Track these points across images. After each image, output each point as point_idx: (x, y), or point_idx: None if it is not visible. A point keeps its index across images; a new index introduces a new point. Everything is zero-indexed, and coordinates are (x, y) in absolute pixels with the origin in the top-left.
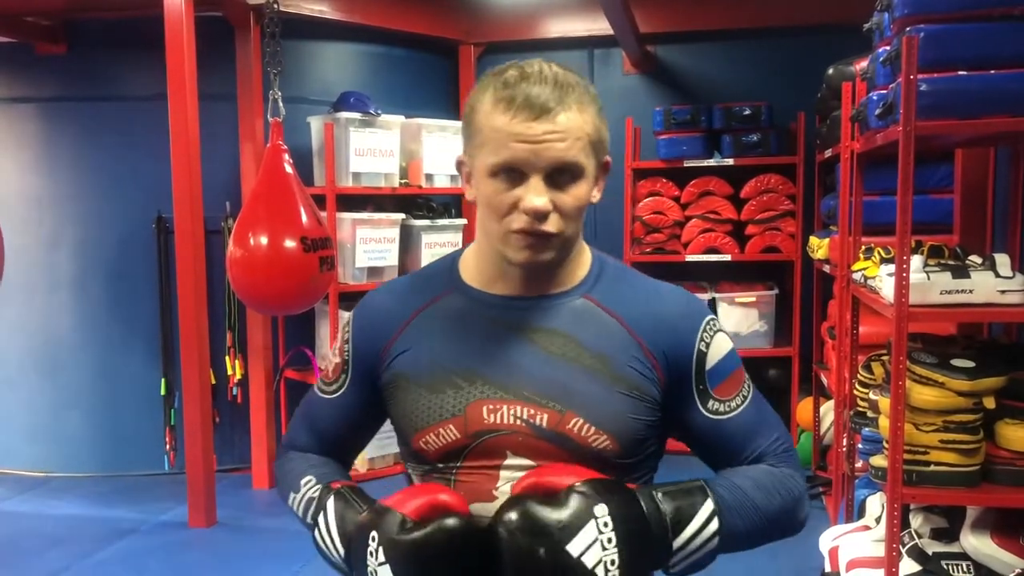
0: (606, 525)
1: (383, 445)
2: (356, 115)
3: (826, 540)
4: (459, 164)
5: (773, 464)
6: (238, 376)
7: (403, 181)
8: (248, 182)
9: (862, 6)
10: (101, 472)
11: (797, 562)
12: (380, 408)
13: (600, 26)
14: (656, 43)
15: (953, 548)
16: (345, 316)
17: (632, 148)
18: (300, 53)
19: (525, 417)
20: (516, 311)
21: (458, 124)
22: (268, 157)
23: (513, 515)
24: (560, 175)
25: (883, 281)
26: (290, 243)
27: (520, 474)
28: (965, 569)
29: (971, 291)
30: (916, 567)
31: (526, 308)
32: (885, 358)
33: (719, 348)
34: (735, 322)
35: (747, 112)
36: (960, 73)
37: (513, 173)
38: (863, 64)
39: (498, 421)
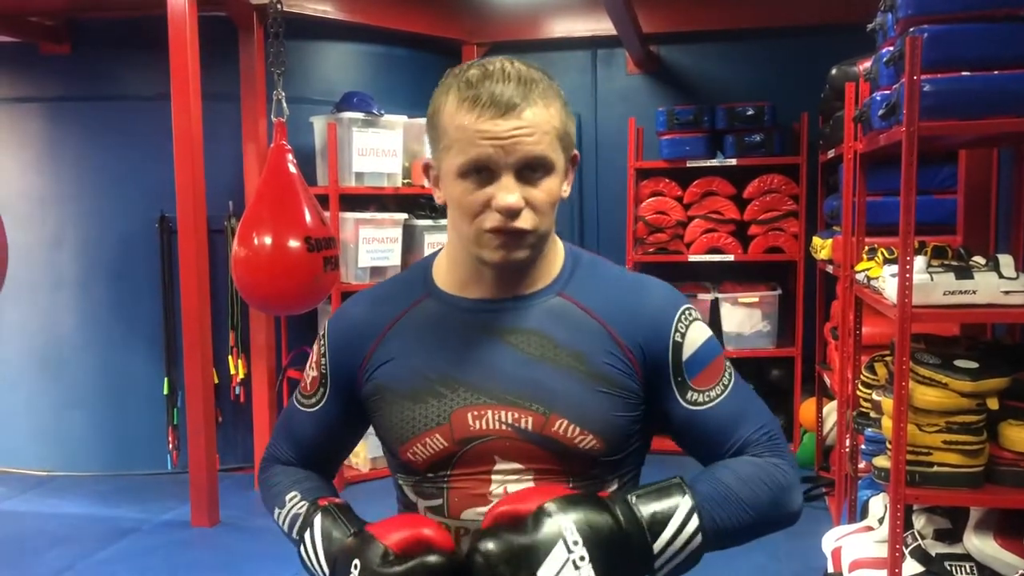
0: (576, 543)
1: None
2: (359, 115)
3: (829, 541)
4: (426, 168)
5: (758, 454)
6: (241, 376)
7: (406, 181)
8: (251, 182)
9: (866, 6)
10: (104, 471)
11: (800, 563)
12: (360, 419)
13: (603, 26)
14: (659, 43)
15: (956, 549)
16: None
17: (635, 148)
18: (303, 53)
19: (510, 421)
20: (491, 314)
21: None
22: (272, 157)
23: (486, 546)
24: (530, 171)
25: (886, 282)
26: (294, 243)
27: (512, 478)
28: (968, 570)
29: (974, 292)
30: (919, 568)
31: (501, 310)
32: (888, 359)
33: (695, 337)
34: (738, 322)
35: (750, 112)
36: (964, 74)
37: (483, 172)
38: (866, 64)
39: (484, 427)
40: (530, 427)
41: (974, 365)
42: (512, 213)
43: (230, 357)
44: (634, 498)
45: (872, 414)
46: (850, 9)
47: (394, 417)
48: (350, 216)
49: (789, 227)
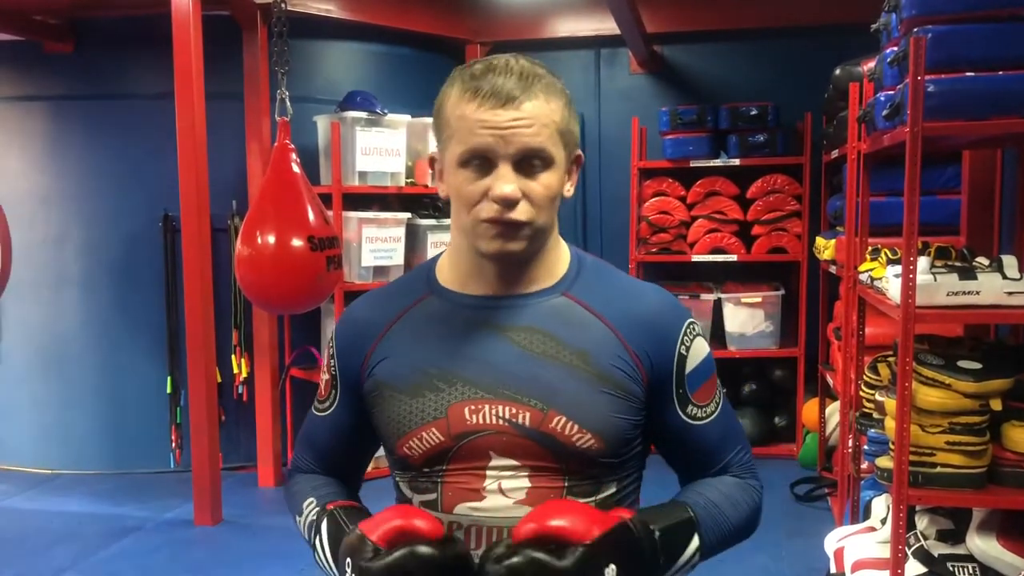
0: None
1: None
2: (362, 114)
3: (831, 541)
4: (431, 161)
5: (739, 475)
6: (244, 374)
7: (409, 180)
8: (254, 181)
9: (869, 6)
10: (107, 469)
11: (802, 563)
12: (368, 422)
13: (607, 26)
14: (663, 43)
15: (959, 550)
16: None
17: (638, 148)
18: (307, 52)
19: (507, 416)
20: (492, 310)
21: None
22: (276, 156)
23: (517, 561)
24: (529, 163)
25: (890, 282)
26: (297, 242)
27: (507, 473)
28: (971, 571)
29: (978, 292)
30: (922, 568)
31: (503, 307)
32: (891, 359)
33: (698, 352)
34: (741, 322)
35: (753, 112)
36: (967, 74)
37: (482, 162)
38: (870, 65)
39: (481, 422)
40: (527, 423)
41: (977, 366)
42: (508, 203)
43: (233, 356)
44: (657, 533)
45: (875, 415)
46: (854, 9)
47: (391, 412)
48: (353, 215)
49: (792, 227)
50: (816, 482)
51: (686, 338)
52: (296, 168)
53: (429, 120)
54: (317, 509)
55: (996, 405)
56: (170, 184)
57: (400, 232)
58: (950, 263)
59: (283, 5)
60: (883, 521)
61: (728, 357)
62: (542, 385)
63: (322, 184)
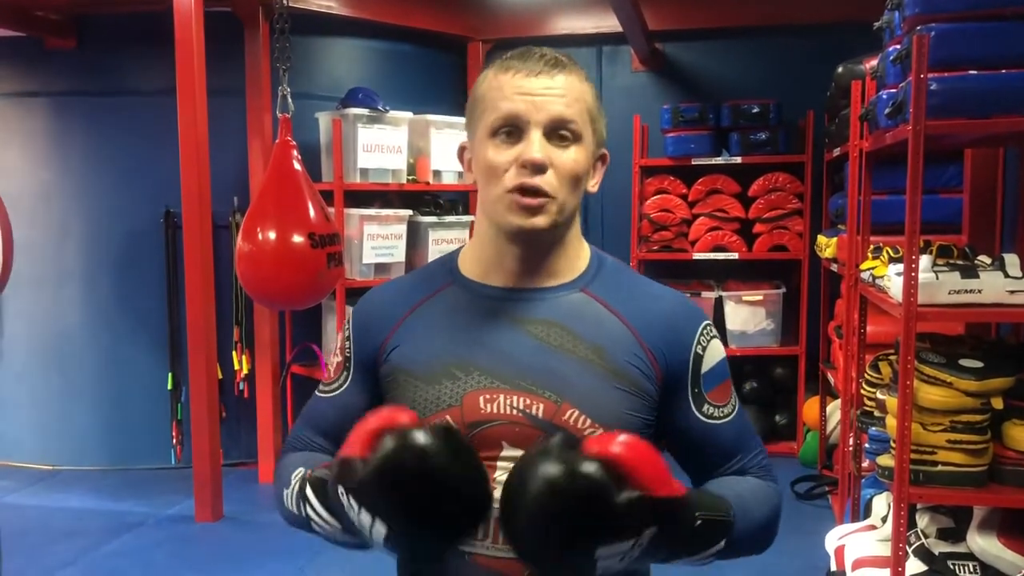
0: (639, 546)
1: None
2: (364, 111)
3: (832, 539)
4: (461, 151)
5: (759, 476)
6: (245, 371)
7: (411, 177)
8: (256, 177)
9: (872, 4)
10: (108, 465)
11: (803, 561)
12: (381, 405)
13: (609, 23)
14: (665, 40)
15: (959, 548)
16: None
17: (640, 146)
18: (309, 49)
19: (522, 407)
20: (512, 302)
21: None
22: (277, 153)
23: (586, 468)
24: (559, 134)
25: (891, 280)
26: (298, 239)
27: None
28: (971, 569)
29: (980, 291)
30: (922, 567)
31: (523, 299)
32: (892, 358)
33: (714, 354)
34: (742, 320)
35: (755, 110)
36: (970, 72)
37: (512, 132)
38: (873, 63)
39: (495, 411)
40: (541, 414)
41: (979, 364)
42: (536, 167)
43: (234, 352)
44: (700, 520)
45: (876, 413)
46: (856, 7)
47: (407, 398)
48: (355, 212)
49: (794, 225)
50: (817, 480)
51: (702, 339)
52: (297, 165)
53: (431, 117)
54: (301, 478)
55: (997, 403)
56: (172, 180)
57: (401, 229)
58: (952, 262)
59: (285, 1)
60: (884, 519)
61: (729, 355)
62: (557, 378)
63: (324, 181)
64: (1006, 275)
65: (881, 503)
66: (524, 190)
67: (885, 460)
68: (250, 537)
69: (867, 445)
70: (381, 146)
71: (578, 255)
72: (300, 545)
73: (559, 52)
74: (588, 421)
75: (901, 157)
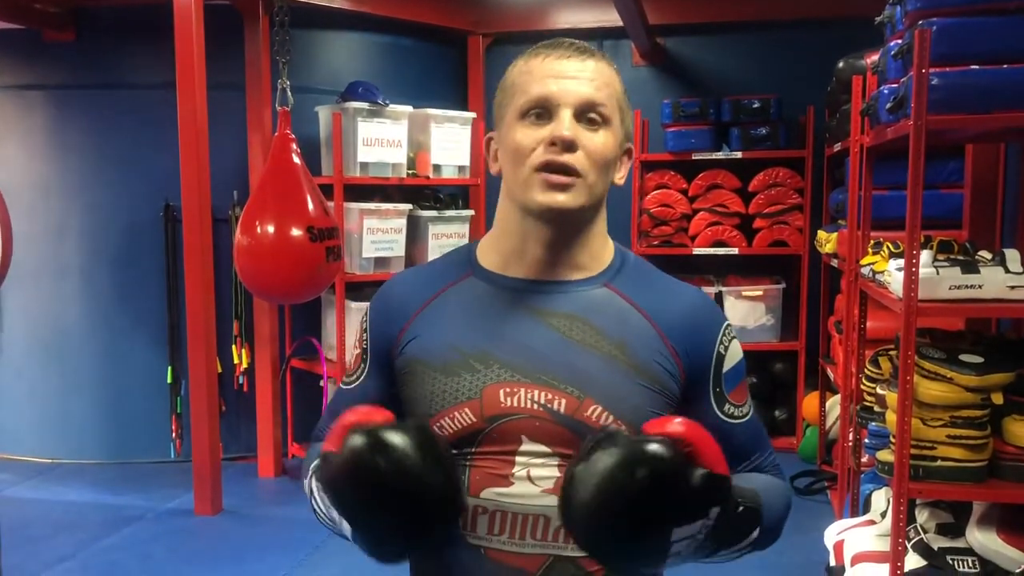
0: (706, 527)
1: None
2: (364, 105)
3: (831, 534)
4: (487, 142)
5: (773, 475)
6: (244, 365)
7: (411, 172)
8: (256, 171)
9: (873, 0)
10: (108, 459)
11: (802, 556)
12: (398, 397)
13: (609, 17)
14: (665, 35)
15: (959, 543)
16: (352, 306)
17: (640, 140)
18: (308, 42)
19: (543, 401)
20: (534, 294)
21: (466, 115)
22: (276, 146)
23: (658, 449)
24: (588, 117)
25: (892, 276)
26: (297, 232)
27: (537, 460)
28: (971, 564)
29: (980, 286)
30: (921, 562)
31: (544, 291)
32: (892, 353)
33: (735, 354)
34: (742, 316)
35: (756, 105)
36: (972, 67)
37: (542, 114)
38: (874, 58)
39: (515, 404)
40: (563, 409)
41: (979, 360)
42: (566, 144)
43: (234, 346)
44: (741, 508)
45: (876, 408)
46: (858, 2)
47: (425, 389)
48: (354, 206)
49: (794, 221)
50: (816, 475)
51: (724, 338)
52: (296, 158)
53: (431, 111)
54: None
55: (997, 399)
56: (171, 174)
57: (401, 224)
58: (953, 257)
59: None
60: (883, 514)
61: None
62: (579, 372)
63: (323, 175)
64: (1007, 270)
65: (880, 498)
66: (552, 168)
67: (885, 455)
68: (249, 531)
69: (867, 440)
70: (381, 140)
71: (603, 250)
72: (299, 539)
73: (588, 44)
74: (610, 417)
75: (902, 152)
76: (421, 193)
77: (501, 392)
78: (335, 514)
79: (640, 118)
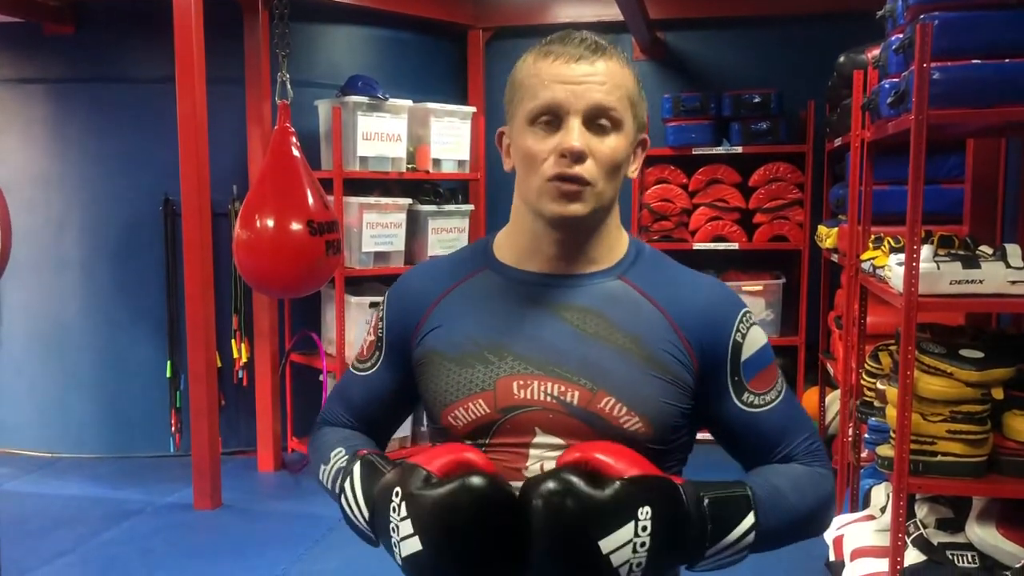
0: (644, 529)
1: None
2: (364, 99)
3: (830, 529)
4: (499, 137)
5: (806, 463)
6: (244, 359)
7: (410, 166)
8: (255, 165)
9: None
10: (107, 453)
11: (801, 551)
12: (412, 388)
13: (610, 11)
14: (666, 29)
15: (958, 538)
16: (352, 300)
17: None
18: (308, 36)
19: (556, 394)
20: (549, 288)
21: (466, 109)
22: (275, 140)
23: (553, 487)
24: (598, 122)
25: (892, 270)
26: (296, 226)
27: (551, 453)
28: (970, 559)
29: (981, 281)
30: (921, 557)
31: (559, 285)
32: (893, 348)
33: (754, 341)
34: None
35: (756, 100)
36: (974, 61)
37: (551, 120)
38: (875, 52)
39: (529, 397)
40: (576, 401)
41: (979, 355)
42: (575, 156)
43: (233, 340)
44: (706, 500)
45: (876, 403)
46: None
47: (440, 380)
48: (354, 200)
49: (794, 216)
50: None
51: (741, 326)
52: (296, 152)
53: (431, 105)
54: (347, 456)
55: (998, 394)
56: (171, 168)
57: (401, 218)
58: (953, 252)
59: None
60: (883, 509)
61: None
62: (592, 365)
63: (323, 169)
64: (1007, 265)
65: (880, 493)
66: (563, 179)
67: (884, 450)
68: (249, 525)
69: (866, 435)
70: (381, 134)
71: (617, 242)
72: (298, 533)
73: (599, 36)
74: (624, 409)
75: (902, 147)
76: (421, 187)
77: (515, 384)
78: (379, 519)
79: None
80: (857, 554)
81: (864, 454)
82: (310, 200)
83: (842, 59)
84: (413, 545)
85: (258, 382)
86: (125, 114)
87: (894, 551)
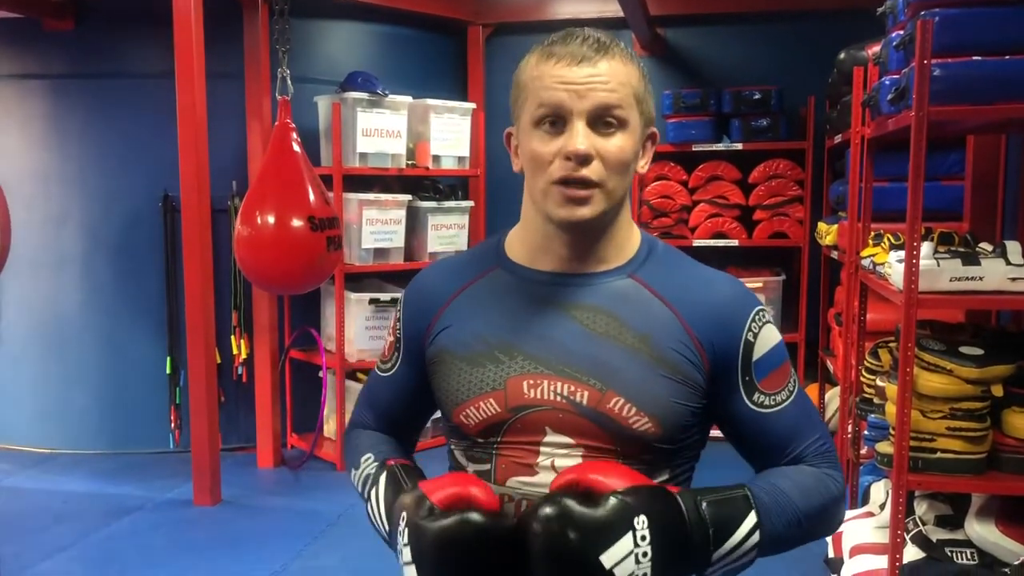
0: (643, 539)
1: None
2: (364, 95)
3: None
4: (507, 137)
5: (815, 464)
6: (243, 356)
7: (410, 162)
8: (255, 161)
9: None
10: (106, 449)
11: (800, 547)
12: (429, 386)
13: (610, 8)
14: (666, 26)
15: (957, 535)
16: (352, 297)
17: None
18: (308, 32)
19: (565, 394)
20: (559, 287)
21: (466, 105)
22: (276, 135)
23: (549, 512)
24: (603, 122)
25: (892, 267)
26: (297, 222)
27: (561, 451)
28: (969, 556)
29: (981, 278)
30: (920, 554)
31: (569, 284)
32: (892, 345)
33: (767, 340)
34: None
35: (757, 96)
36: (974, 58)
37: (556, 123)
38: (876, 48)
39: (538, 396)
40: (585, 401)
41: (979, 352)
42: (580, 159)
43: (233, 337)
44: (704, 504)
45: (875, 400)
46: None
47: (451, 379)
48: (354, 197)
49: (794, 212)
50: None
51: (753, 325)
52: (297, 147)
53: (431, 101)
54: (376, 464)
55: (997, 391)
56: (170, 164)
57: (401, 214)
58: (953, 249)
59: None
60: (882, 506)
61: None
62: (602, 365)
63: (322, 165)
64: (1007, 262)
65: (879, 490)
66: (569, 182)
67: (884, 447)
68: (248, 521)
69: (866, 432)
70: (380, 130)
71: (628, 240)
72: (298, 529)
73: (601, 33)
74: (633, 409)
75: (903, 144)
76: (420, 184)
77: (525, 384)
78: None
79: None
80: (856, 551)
81: (864, 451)
82: (311, 196)
83: (842, 55)
84: (412, 572)
85: (258, 378)
86: (125, 110)
87: (893, 548)
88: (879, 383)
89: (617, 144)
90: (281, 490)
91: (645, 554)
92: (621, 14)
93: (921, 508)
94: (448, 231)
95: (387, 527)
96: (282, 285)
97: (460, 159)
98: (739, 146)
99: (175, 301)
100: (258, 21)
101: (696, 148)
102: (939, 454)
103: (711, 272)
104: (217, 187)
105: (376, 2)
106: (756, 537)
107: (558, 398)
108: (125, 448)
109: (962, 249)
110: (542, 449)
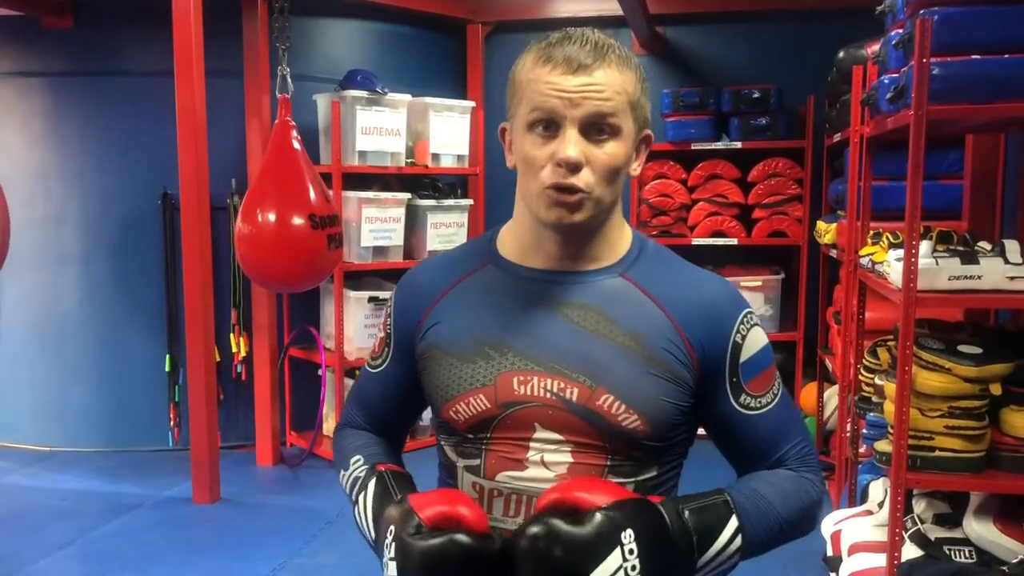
0: (631, 552)
1: None
2: (363, 93)
3: (828, 524)
4: (502, 132)
5: (794, 468)
6: (243, 353)
7: (409, 160)
8: (254, 159)
9: None
10: (106, 447)
11: (799, 546)
12: (420, 383)
13: (609, 6)
14: (666, 24)
15: (956, 534)
16: (351, 295)
17: None
18: (307, 30)
19: (555, 390)
20: (550, 284)
21: (465, 103)
22: (276, 133)
23: (535, 530)
24: (596, 130)
25: (891, 266)
26: (298, 220)
27: (550, 447)
28: (967, 555)
29: (980, 277)
30: (918, 552)
31: (560, 282)
32: (891, 343)
33: (754, 342)
34: None
35: (756, 95)
36: (974, 57)
37: (549, 127)
38: (875, 47)
39: (528, 393)
40: (575, 398)
41: (978, 350)
42: (570, 166)
43: (232, 335)
44: (687, 512)
45: (874, 399)
46: None
47: (441, 375)
48: (353, 195)
49: (793, 211)
50: None
51: (742, 327)
52: (297, 145)
53: (430, 100)
54: (366, 467)
55: (996, 390)
56: (170, 162)
57: (400, 212)
58: (952, 247)
59: None
60: (880, 505)
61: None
62: (592, 362)
63: (322, 163)
64: (1006, 261)
65: (878, 488)
66: (559, 188)
67: (882, 446)
68: (247, 519)
69: (864, 431)
70: (380, 129)
71: (619, 240)
72: (297, 527)
73: (600, 33)
74: (623, 407)
75: (902, 143)
76: (420, 182)
77: (515, 380)
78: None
79: None
80: (855, 549)
81: (862, 449)
82: (311, 194)
83: (841, 54)
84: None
85: (257, 376)
86: (124, 107)
87: (891, 546)
88: (878, 381)
89: (609, 152)
90: (280, 488)
91: (634, 567)
92: (620, 12)
93: (919, 506)
94: (447, 229)
95: (373, 535)
96: (283, 283)
97: (459, 157)
98: (738, 145)
99: (174, 299)
100: (257, 19)
101: (695, 147)
102: (937, 452)
103: (701, 273)
104: (216, 185)
105: (376, 0)
106: (738, 541)
107: (548, 395)
108: (124, 446)
109: (961, 248)
110: (532, 445)
